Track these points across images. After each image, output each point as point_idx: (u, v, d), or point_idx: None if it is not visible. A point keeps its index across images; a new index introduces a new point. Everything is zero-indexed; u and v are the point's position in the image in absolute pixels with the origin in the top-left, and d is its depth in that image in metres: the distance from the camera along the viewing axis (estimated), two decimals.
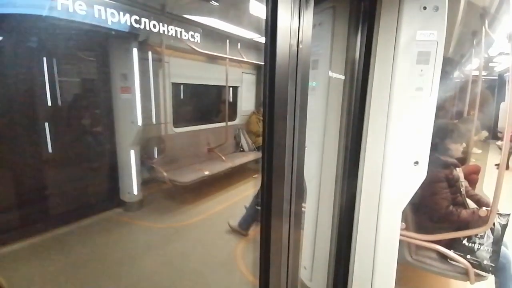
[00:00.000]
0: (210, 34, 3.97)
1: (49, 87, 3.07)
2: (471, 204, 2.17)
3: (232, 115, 5.32)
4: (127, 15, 2.69)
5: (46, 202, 2.87)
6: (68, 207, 2.98)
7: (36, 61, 2.90)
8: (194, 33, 3.43)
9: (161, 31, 3.06)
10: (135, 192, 3.36)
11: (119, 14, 2.61)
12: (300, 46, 0.96)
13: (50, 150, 3.03)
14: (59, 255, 2.47)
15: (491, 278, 1.80)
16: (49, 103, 3.11)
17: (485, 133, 3.41)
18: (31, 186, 2.82)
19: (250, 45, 4.67)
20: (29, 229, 2.63)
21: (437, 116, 1.41)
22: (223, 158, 4.56)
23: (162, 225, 3.24)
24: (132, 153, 3.31)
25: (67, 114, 3.41)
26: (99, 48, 3.22)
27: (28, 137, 2.84)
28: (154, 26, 2.93)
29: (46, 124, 2.99)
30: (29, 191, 2.79)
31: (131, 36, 2.91)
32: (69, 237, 2.74)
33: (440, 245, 1.80)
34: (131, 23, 2.74)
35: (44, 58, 2.97)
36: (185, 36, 3.36)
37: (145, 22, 2.84)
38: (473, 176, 2.91)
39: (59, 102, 3.28)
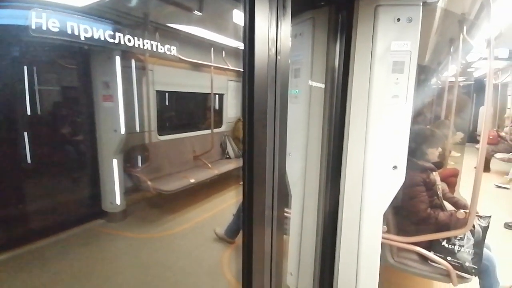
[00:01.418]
0: (194, 42, 3.98)
1: (29, 96, 2.99)
2: (449, 206, 2.25)
3: (218, 122, 5.32)
4: (109, 29, 2.72)
5: (24, 213, 2.75)
6: (46, 219, 2.87)
7: (15, 69, 2.82)
8: (179, 43, 3.45)
9: (143, 46, 3.07)
10: (118, 202, 3.27)
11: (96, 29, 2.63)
12: (279, 56, 0.99)
13: (28, 160, 2.93)
14: (37, 270, 2.36)
15: (475, 280, 1.83)
16: (28, 112, 3.02)
17: (460, 135, 3.55)
18: (8, 198, 2.70)
19: (235, 53, 4.71)
20: (5, 243, 2.51)
21: (415, 121, 1.46)
22: (209, 165, 4.53)
23: (146, 235, 3.17)
24: (115, 161, 3.24)
25: (46, 123, 3.31)
26: (80, 56, 3.17)
27: (6, 147, 2.74)
28: (134, 40, 2.94)
29: (25, 134, 2.89)
30: (5, 202, 2.67)
31: (113, 46, 2.89)
32: (48, 250, 2.63)
33: (421, 247, 1.84)
34: (114, 36, 2.75)
35: (25, 67, 2.90)
36: (168, 49, 3.39)
37: (124, 36, 2.88)
38: (451, 179, 3.01)
39: (39, 111, 3.19)
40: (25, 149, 2.89)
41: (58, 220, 2.95)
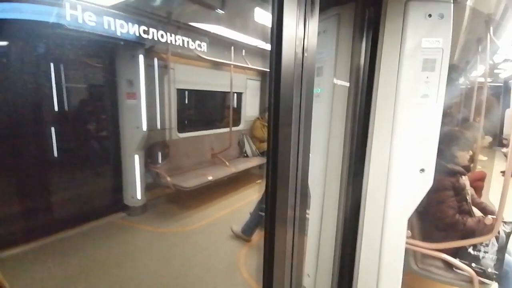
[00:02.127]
0: (215, 41, 4.02)
1: (56, 93, 3.12)
2: (476, 212, 2.14)
3: (236, 121, 5.34)
4: (136, 25, 2.76)
5: (51, 205, 2.89)
6: (71, 211, 2.99)
7: (43, 67, 2.95)
8: (201, 42, 3.48)
9: (168, 41, 3.12)
10: (139, 196, 3.37)
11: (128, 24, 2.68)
12: (305, 54, 0.97)
13: (55, 154, 3.06)
14: (63, 258, 2.48)
15: (494, 285, 1.78)
16: (56, 108, 3.16)
17: (489, 138, 3.38)
18: (37, 190, 2.85)
19: (255, 51, 4.71)
20: (34, 232, 2.65)
21: (442, 123, 1.40)
22: (227, 163, 4.56)
23: (165, 229, 3.24)
24: (137, 157, 3.33)
25: (72, 119, 3.45)
26: (105, 55, 3.28)
27: (33, 141, 2.88)
28: (162, 36, 2.99)
29: (52, 129, 3.03)
30: (34, 195, 2.82)
31: (138, 44, 2.96)
32: (72, 241, 2.75)
33: (446, 254, 1.77)
34: (139, 33, 2.81)
35: (52, 64, 3.03)
36: (192, 45, 3.42)
37: (152, 32, 2.92)
38: (478, 183, 2.87)
39: (66, 107, 3.33)
40: (52, 144, 3.02)
41: (82, 212, 3.08)
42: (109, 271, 2.42)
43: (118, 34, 2.61)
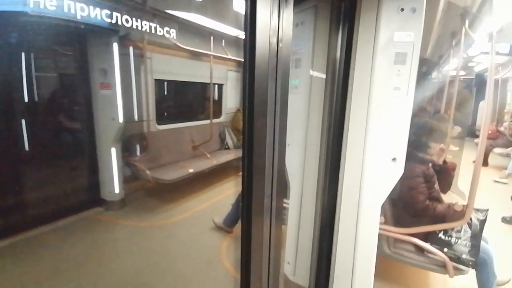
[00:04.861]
0: (191, 29, 3.92)
1: (26, 82, 2.95)
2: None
3: (217, 112, 5.29)
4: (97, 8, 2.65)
5: (22, 201, 2.76)
6: (45, 206, 2.87)
7: (12, 55, 2.78)
8: (170, 28, 3.41)
9: (143, 28, 3.02)
10: (117, 190, 3.28)
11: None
12: (280, 44, 0.97)
13: (26, 147, 2.91)
14: (36, 256, 2.38)
15: (471, 272, 1.85)
16: (26, 99, 2.99)
17: (457, 129, 3.56)
18: (5, 186, 2.70)
19: (235, 42, 4.65)
20: (3, 231, 2.53)
21: (415, 114, 1.45)
22: (208, 155, 4.53)
23: (145, 223, 3.19)
24: (113, 150, 3.23)
25: (43, 110, 3.28)
26: (76, 42, 3.12)
27: (3, 134, 2.72)
28: (127, 21, 2.89)
29: (23, 121, 2.87)
30: (3, 189, 2.67)
31: (111, 31, 2.84)
32: (46, 237, 2.65)
33: (417, 239, 1.87)
34: (100, 17, 2.70)
35: (22, 53, 2.85)
36: (159, 32, 3.33)
37: (125, 18, 2.81)
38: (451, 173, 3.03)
39: (36, 98, 3.15)
40: (23, 137, 2.87)
41: (56, 208, 2.96)
42: (85, 268, 2.35)
43: (78, 17, 2.52)
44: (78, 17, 2.51)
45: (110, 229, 3.06)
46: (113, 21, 2.79)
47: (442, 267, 1.83)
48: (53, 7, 2.33)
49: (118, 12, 2.81)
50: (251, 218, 1.04)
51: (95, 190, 3.28)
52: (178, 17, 3.52)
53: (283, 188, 1.18)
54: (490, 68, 1.57)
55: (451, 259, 1.80)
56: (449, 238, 1.85)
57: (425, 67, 3.80)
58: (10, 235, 2.50)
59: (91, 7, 2.58)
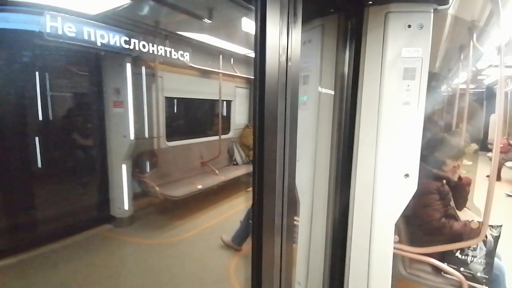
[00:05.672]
0: (202, 49, 4.04)
1: (41, 101, 3.05)
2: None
3: (226, 129, 5.34)
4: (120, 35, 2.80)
5: (34, 217, 2.79)
6: (54, 224, 2.89)
7: (27, 75, 2.90)
8: (184, 52, 3.54)
9: (158, 52, 3.15)
10: (126, 207, 3.29)
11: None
12: (289, 63, 0.99)
13: (39, 165, 2.98)
14: (45, 273, 2.38)
15: None
16: (40, 117, 3.08)
17: (474, 146, 3.47)
18: (19, 202, 2.74)
19: (243, 60, 4.76)
20: (16, 246, 2.54)
21: (427, 129, 1.43)
22: (216, 171, 4.53)
23: (153, 241, 3.16)
24: (124, 167, 3.27)
25: (57, 128, 3.38)
26: (92, 64, 3.25)
27: (17, 151, 2.79)
28: (144, 46, 3.02)
29: (36, 139, 2.95)
30: (16, 207, 2.71)
31: (127, 55, 2.97)
32: (54, 256, 2.65)
33: (434, 258, 1.79)
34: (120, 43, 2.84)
35: (36, 72, 2.98)
36: (174, 55, 3.47)
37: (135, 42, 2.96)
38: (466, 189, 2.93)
39: (50, 116, 3.25)
40: (36, 154, 2.94)
41: (67, 225, 2.97)
42: (94, 286, 2.33)
43: (98, 44, 2.66)
44: (98, 44, 2.65)
45: (119, 247, 3.04)
46: (131, 47, 2.93)
47: (457, 287, 1.76)
48: (72, 33, 2.45)
49: (136, 39, 2.95)
50: (262, 236, 1.02)
51: (105, 207, 3.30)
52: (191, 39, 3.65)
53: (293, 206, 1.16)
54: (500, 81, 1.55)
55: (466, 278, 1.74)
56: (466, 257, 1.79)
57: (434, 81, 3.78)
58: (19, 252, 2.51)
59: (110, 34, 2.72)
